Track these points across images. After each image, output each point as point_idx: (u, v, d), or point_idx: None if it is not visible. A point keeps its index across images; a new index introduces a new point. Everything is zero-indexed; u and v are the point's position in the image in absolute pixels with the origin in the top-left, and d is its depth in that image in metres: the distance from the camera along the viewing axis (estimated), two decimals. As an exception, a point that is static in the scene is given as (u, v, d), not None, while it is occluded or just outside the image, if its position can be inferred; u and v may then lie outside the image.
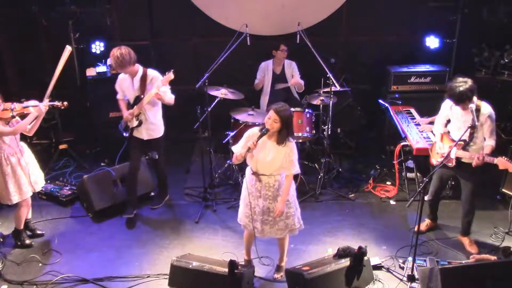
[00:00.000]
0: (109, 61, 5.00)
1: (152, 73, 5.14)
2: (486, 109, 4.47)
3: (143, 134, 5.28)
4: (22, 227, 4.85)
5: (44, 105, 4.57)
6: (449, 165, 4.55)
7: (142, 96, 5.09)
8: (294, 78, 6.35)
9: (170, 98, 5.18)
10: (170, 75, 4.96)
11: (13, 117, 4.50)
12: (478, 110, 4.43)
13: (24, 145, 4.73)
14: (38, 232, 5.07)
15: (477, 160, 4.31)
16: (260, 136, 3.96)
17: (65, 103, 4.77)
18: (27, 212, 4.88)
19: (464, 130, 4.41)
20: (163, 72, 7.13)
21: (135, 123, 5.23)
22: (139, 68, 5.12)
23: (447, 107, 4.68)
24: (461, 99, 4.36)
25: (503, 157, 4.29)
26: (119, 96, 5.33)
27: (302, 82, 6.35)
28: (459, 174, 4.72)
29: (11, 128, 4.50)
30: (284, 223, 4.19)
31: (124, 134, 5.35)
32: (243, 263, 4.56)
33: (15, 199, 4.61)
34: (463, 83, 4.33)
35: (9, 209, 5.49)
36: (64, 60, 4.70)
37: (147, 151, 5.62)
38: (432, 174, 4.43)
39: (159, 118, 5.35)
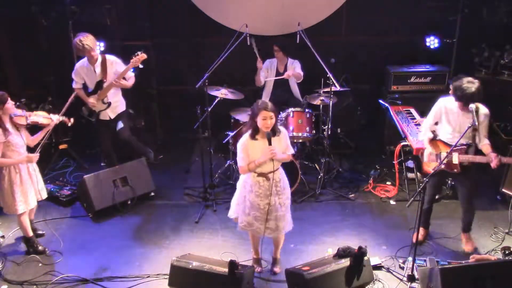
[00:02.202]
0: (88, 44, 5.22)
1: (111, 57, 5.46)
2: (484, 108, 4.45)
3: (109, 114, 5.60)
4: (30, 234, 4.77)
5: (57, 119, 4.75)
6: (455, 171, 4.52)
7: (104, 80, 5.41)
8: (291, 71, 6.20)
9: (132, 81, 5.55)
10: (143, 55, 5.29)
11: (27, 125, 4.54)
12: (477, 110, 4.42)
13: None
14: (39, 232, 5.05)
15: (497, 162, 4.29)
16: (270, 140, 3.99)
17: (72, 119, 4.96)
18: (28, 219, 4.78)
19: (460, 132, 4.41)
20: (161, 71, 7.18)
21: (103, 106, 5.52)
22: (98, 55, 5.42)
23: (440, 109, 4.59)
24: (473, 100, 4.30)
25: None
26: (77, 85, 5.50)
27: (301, 73, 6.23)
28: (459, 176, 4.67)
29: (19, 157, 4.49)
30: (289, 215, 4.33)
31: (92, 119, 5.63)
32: (247, 262, 4.56)
33: (20, 208, 4.56)
34: (472, 84, 4.27)
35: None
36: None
37: (113, 129, 5.77)
38: (432, 175, 4.42)
39: (120, 95, 5.68)
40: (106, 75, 5.43)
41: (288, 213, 4.32)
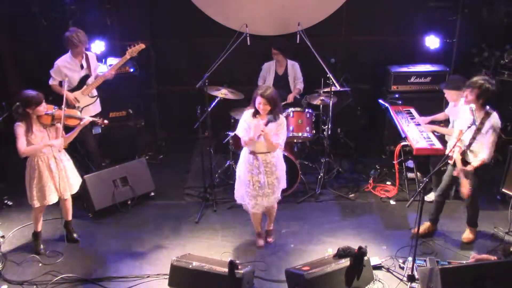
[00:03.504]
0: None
1: (89, 53, 5.66)
2: (494, 118, 4.47)
3: (91, 110, 5.59)
4: (38, 229, 4.79)
5: (87, 120, 4.73)
6: (449, 162, 4.60)
7: (90, 75, 5.54)
8: (292, 93, 6.36)
9: None
10: (141, 45, 5.41)
11: (52, 124, 4.54)
12: (488, 115, 4.46)
13: (63, 152, 4.67)
14: (75, 236, 4.99)
15: (458, 172, 4.45)
16: (268, 122, 4.34)
17: (106, 121, 4.96)
18: (41, 216, 4.78)
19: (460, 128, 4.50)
20: (161, 71, 7.17)
21: (91, 100, 5.58)
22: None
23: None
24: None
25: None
26: (55, 82, 5.49)
27: (299, 88, 6.39)
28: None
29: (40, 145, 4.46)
30: (278, 192, 4.66)
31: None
32: (247, 262, 4.56)
33: (36, 203, 4.58)
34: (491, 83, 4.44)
35: (9, 210, 5.51)
36: None
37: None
38: (431, 175, 4.43)
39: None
40: (90, 69, 5.54)
41: (278, 190, 4.64)
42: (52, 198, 4.63)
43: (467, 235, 4.91)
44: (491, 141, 4.45)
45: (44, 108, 4.44)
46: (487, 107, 4.48)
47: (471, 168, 4.41)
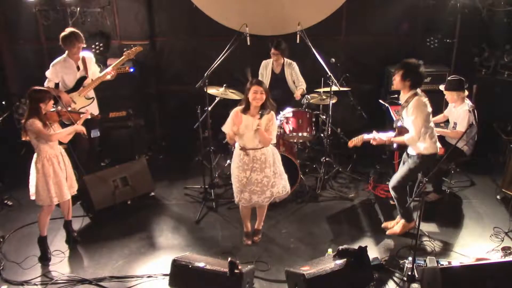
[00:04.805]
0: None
1: (86, 54, 5.63)
2: (418, 100, 4.51)
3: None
4: (44, 233, 4.75)
5: (86, 111, 4.93)
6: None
7: (86, 76, 5.53)
8: (297, 92, 6.32)
9: None
10: (138, 48, 5.51)
11: (59, 121, 4.63)
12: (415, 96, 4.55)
13: (61, 148, 4.72)
14: (74, 235, 4.99)
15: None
16: (261, 116, 4.41)
17: (99, 115, 5.21)
18: (48, 219, 4.76)
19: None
20: (161, 71, 7.17)
21: (86, 102, 5.58)
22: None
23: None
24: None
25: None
26: (49, 84, 5.46)
27: (303, 88, 6.34)
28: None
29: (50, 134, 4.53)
30: (270, 192, 4.63)
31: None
32: (247, 262, 4.55)
33: (55, 200, 4.58)
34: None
35: (9, 210, 5.51)
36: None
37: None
38: (431, 175, 4.43)
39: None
40: (87, 71, 5.54)
41: (268, 190, 4.61)
42: (67, 194, 4.66)
43: (394, 227, 4.96)
44: (415, 121, 4.48)
45: (52, 104, 4.54)
46: (418, 90, 4.53)
47: (388, 140, 4.61)
